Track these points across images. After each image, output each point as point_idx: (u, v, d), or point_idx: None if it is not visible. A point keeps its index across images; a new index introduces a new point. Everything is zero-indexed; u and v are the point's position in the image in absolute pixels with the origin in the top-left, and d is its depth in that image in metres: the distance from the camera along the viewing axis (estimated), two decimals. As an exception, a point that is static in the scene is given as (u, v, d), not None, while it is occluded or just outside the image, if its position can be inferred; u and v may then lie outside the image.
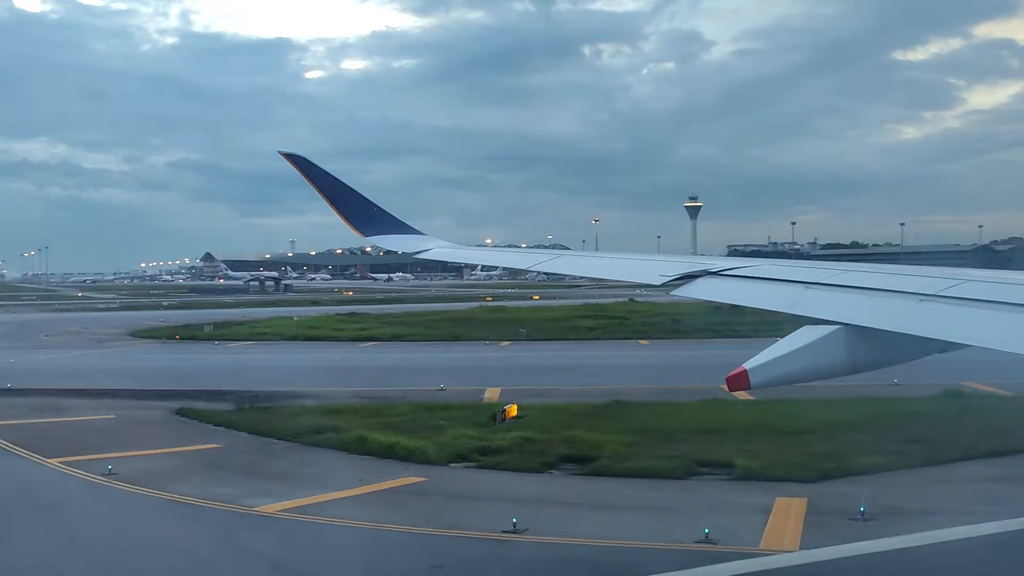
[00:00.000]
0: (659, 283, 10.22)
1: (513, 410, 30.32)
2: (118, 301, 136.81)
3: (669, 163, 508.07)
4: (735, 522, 17.58)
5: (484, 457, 24.54)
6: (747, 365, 7.29)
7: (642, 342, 62.08)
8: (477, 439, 26.08)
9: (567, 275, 25.66)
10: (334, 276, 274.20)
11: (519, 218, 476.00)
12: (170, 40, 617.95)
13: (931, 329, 6.89)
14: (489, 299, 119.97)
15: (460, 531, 17.35)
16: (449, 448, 25.24)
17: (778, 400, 32.19)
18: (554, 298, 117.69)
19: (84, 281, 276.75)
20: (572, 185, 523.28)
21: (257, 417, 31.74)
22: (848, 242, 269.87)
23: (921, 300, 7.22)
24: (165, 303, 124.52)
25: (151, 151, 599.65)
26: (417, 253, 16.45)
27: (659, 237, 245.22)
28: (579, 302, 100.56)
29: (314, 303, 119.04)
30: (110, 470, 23.02)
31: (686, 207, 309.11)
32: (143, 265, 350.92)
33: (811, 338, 7.39)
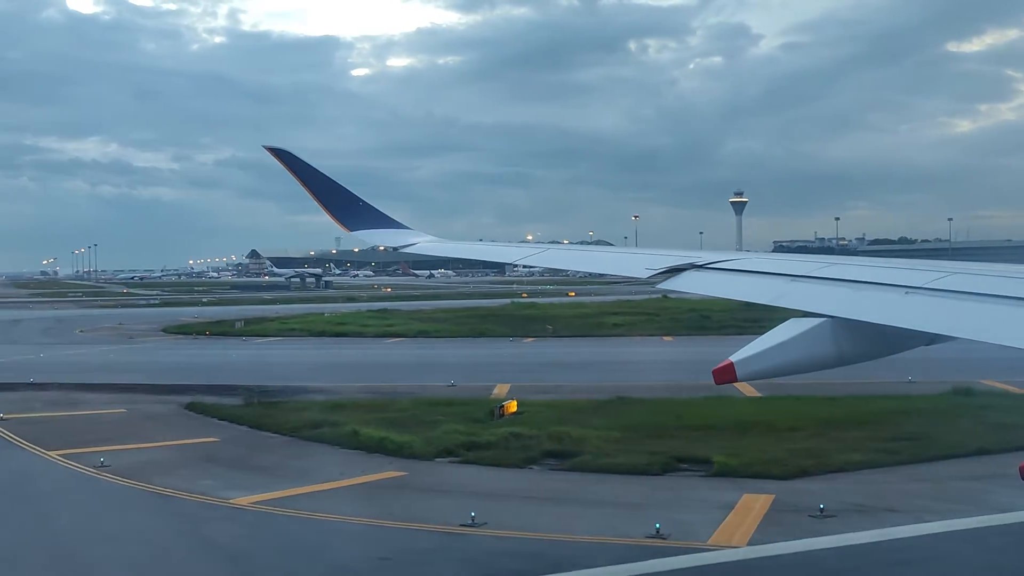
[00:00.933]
0: (645, 276, 10.18)
1: (512, 406, 30.48)
2: (159, 297, 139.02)
3: (715, 158, 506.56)
4: (693, 518, 17.64)
5: (470, 452, 24.69)
6: (733, 358, 7.28)
7: (666, 338, 61.97)
8: (467, 434, 26.22)
9: (552, 268, 25.68)
10: (377, 273, 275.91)
11: (563, 214, 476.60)
12: (218, 39, 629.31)
13: (916, 321, 6.90)
14: (524, 295, 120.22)
15: (419, 524, 17.58)
16: (437, 443, 25.43)
17: (783, 397, 32.26)
18: (590, 295, 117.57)
19: (132, 278, 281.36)
20: (616, 181, 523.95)
21: (262, 412, 32.17)
22: (896, 238, 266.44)
23: (907, 292, 7.22)
24: (205, 299, 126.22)
25: (200, 150, 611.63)
26: (402, 247, 16.42)
27: (701, 233, 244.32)
28: (612, 299, 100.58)
29: (350, 299, 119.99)
30: (102, 462, 23.53)
31: (731, 203, 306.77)
32: (191, 262, 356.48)
33: (797, 330, 7.38)
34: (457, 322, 74.68)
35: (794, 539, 15.97)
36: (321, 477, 22.35)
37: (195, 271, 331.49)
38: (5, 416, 31.16)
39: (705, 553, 15.31)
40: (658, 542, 15.93)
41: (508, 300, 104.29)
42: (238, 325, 73.52)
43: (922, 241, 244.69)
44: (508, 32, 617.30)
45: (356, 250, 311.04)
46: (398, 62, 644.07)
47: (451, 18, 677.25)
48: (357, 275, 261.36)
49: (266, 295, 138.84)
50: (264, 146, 15.86)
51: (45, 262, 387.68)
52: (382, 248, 18.64)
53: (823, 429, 26.42)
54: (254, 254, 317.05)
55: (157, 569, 15.75)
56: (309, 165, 15.74)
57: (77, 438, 27.59)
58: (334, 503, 19.42)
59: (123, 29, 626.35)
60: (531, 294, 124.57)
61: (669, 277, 9.78)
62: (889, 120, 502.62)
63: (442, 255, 18.91)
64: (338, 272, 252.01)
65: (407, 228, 16.89)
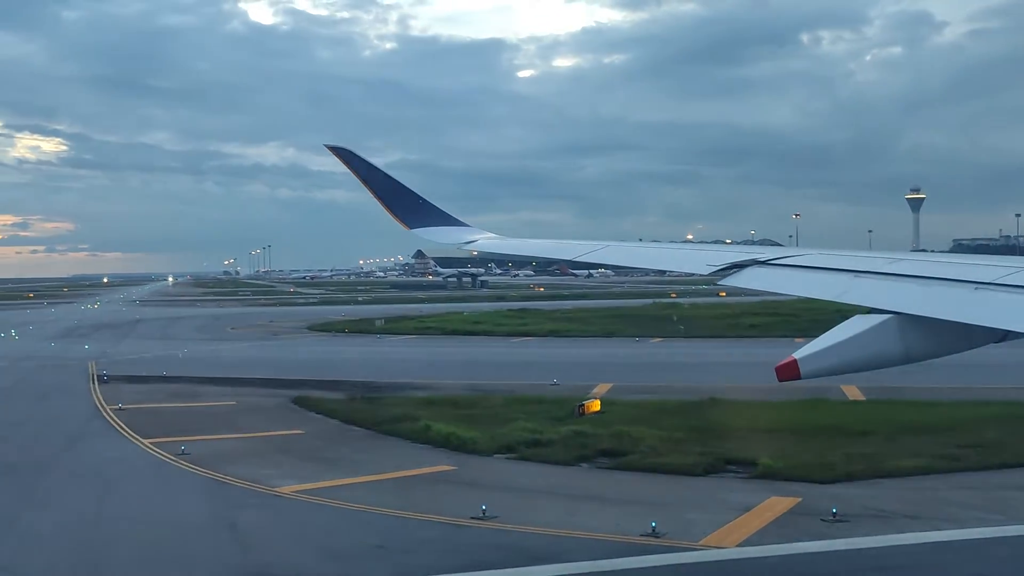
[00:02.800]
0: (707, 272, 10.18)
1: (595, 405, 30.54)
2: (319, 296, 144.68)
3: (893, 153, 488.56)
4: (701, 517, 17.55)
5: (529, 449, 25.09)
6: (797, 355, 7.27)
7: (797, 340, 60.30)
8: (534, 432, 26.64)
9: (613, 265, 25.49)
10: (537, 273, 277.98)
11: (731, 213, 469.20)
12: (389, 45, 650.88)
13: (986, 317, 6.80)
14: (674, 295, 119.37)
15: (434, 515, 18.14)
16: (500, 439, 25.96)
17: (882, 400, 31.65)
18: (739, 295, 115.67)
19: (304, 277, 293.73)
20: (787, 178, 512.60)
21: (358, 406, 33.43)
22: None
23: (976, 288, 7.10)
24: (360, 298, 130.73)
25: (371, 153, 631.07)
26: (462, 245, 16.73)
27: (870, 231, 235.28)
28: (757, 299, 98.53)
29: (500, 298, 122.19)
30: (183, 450, 25.12)
31: (907, 199, 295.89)
32: (361, 262, 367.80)
33: (862, 327, 7.30)
34: (590, 322, 75.04)
35: (788, 542, 15.76)
36: (375, 469, 23.25)
37: (364, 271, 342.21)
38: (123, 407, 33.51)
39: (684, 552, 15.28)
40: (650, 540, 15.99)
41: (655, 300, 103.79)
42: (378, 323, 75.92)
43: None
44: (675, 28, 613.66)
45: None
46: (564, 62, 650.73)
47: (616, 16, 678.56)
48: (518, 275, 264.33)
49: (420, 294, 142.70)
50: (325, 144, 16.02)
51: (226, 262, 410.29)
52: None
53: (898, 433, 25.64)
54: (419, 254, 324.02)
55: (163, 542, 16.99)
56: (369, 163, 15.95)
57: (175, 428, 29.40)
58: (370, 493, 20.17)
59: (300, 38, 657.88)
60: (681, 294, 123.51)
61: (731, 274, 9.75)
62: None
63: (501, 252, 19.06)
64: (499, 272, 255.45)
65: (467, 225, 16.94)
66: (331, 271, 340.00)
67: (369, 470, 23.14)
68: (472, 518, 17.78)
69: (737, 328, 67.78)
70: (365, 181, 15.85)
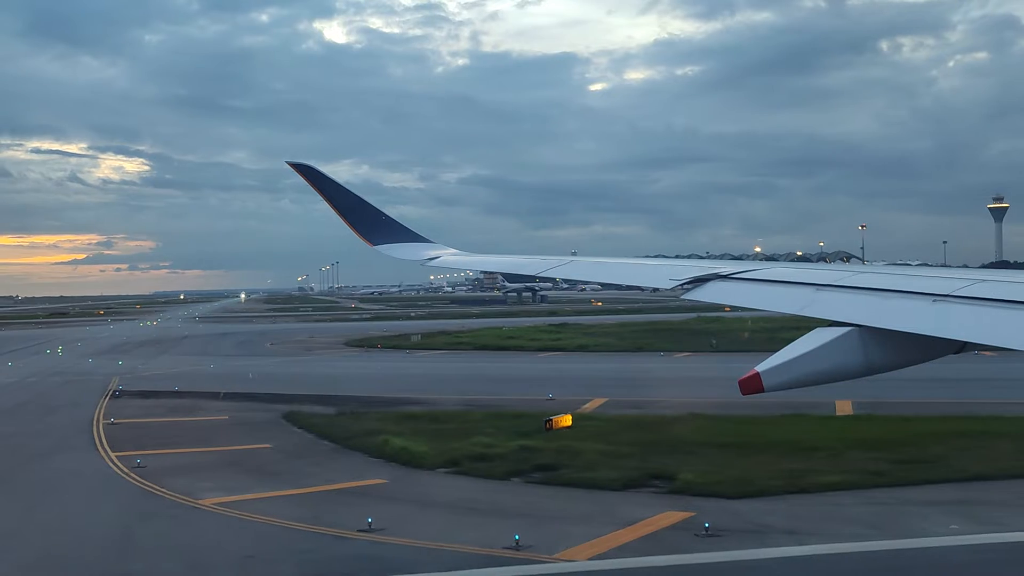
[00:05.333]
0: (669, 287, 10.12)
1: (565, 420, 30.62)
2: (375, 312, 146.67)
3: (978, 161, 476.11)
4: (575, 531, 17.75)
5: (473, 463, 25.36)
6: (759, 368, 7.19)
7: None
8: (487, 447, 26.95)
9: (577, 280, 25.55)
10: (605, 287, 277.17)
11: (808, 224, 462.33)
12: (461, 61, 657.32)
13: (944, 329, 6.91)
14: (727, 309, 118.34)
15: (323, 527, 18.59)
16: (449, 454, 26.30)
17: (862, 416, 31.76)
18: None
19: (372, 293, 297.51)
20: (867, 188, 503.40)
21: (340, 421, 34.01)
22: None
23: (935, 300, 7.23)
24: (413, 314, 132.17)
25: (444, 168, 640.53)
26: (425, 261, 17.01)
27: (945, 242, 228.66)
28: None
29: (552, 313, 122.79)
30: (138, 464, 25.92)
31: (990, 209, 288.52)
32: (431, 277, 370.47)
33: (824, 339, 7.27)
34: (624, 336, 74.99)
35: (641, 556, 15.85)
36: (311, 482, 23.74)
37: (433, 286, 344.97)
38: (115, 421, 34.64)
39: (527, 565, 15.48)
40: (508, 552, 16.23)
41: (704, 314, 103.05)
42: (414, 339, 76.76)
43: None
44: (750, 38, 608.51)
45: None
46: (636, 75, 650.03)
47: (689, 28, 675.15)
48: (584, 289, 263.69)
49: (475, 310, 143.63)
50: (287, 162, 16.37)
51: (300, 279, 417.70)
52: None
53: (846, 449, 25.40)
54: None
55: (49, 547, 17.87)
56: (332, 180, 16.14)
57: (149, 442, 30.23)
58: (284, 506, 20.63)
59: (373, 56, 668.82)
60: (735, 308, 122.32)
61: (693, 288, 9.64)
62: None
63: (464, 268, 19.24)
64: (566, 286, 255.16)
65: (430, 241, 17.19)
66: (399, 287, 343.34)
67: (304, 483, 23.64)
68: (358, 530, 18.16)
69: (772, 342, 65.83)
70: (328, 198, 16.00)
